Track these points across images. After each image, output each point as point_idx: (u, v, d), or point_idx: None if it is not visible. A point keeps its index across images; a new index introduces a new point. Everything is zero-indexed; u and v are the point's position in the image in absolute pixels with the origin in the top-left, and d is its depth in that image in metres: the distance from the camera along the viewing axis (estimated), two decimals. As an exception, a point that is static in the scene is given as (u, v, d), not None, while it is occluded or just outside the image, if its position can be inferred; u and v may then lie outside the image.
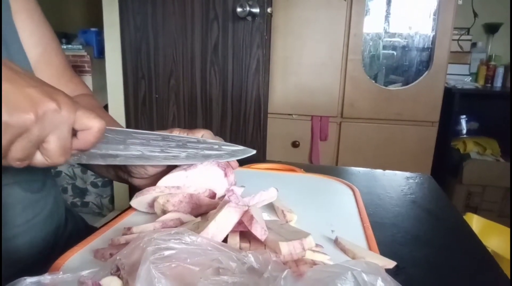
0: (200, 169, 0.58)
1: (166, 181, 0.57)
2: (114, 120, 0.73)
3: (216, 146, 0.58)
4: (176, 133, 0.60)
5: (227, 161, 0.61)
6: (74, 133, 0.42)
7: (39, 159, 0.41)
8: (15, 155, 0.38)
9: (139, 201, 0.57)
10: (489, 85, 2.62)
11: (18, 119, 0.36)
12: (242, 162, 0.82)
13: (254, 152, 0.60)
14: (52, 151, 0.40)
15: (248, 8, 1.70)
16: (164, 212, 0.54)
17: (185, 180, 0.58)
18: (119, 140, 0.51)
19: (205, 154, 0.57)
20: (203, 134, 0.61)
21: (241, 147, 0.60)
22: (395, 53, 2.24)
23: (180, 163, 0.57)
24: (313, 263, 0.41)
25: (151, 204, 0.56)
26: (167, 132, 0.60)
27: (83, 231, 0.75)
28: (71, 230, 0.73)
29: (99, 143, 0.46)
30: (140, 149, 0.53)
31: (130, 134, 0.53)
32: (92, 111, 0.43)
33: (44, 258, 0.62)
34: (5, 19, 0.59)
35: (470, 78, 2.64)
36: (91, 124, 0.42)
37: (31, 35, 0.65)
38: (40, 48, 0.67)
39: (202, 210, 0.55)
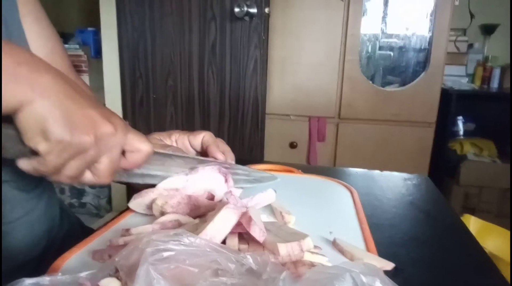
0: (201, 173, 0.58)
1: (166, 184, 0.57)
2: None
3: (247, 172, 0.61)
4: (176, 135, 0.61)
5: (228, 168, 0.61)
6: (123, 152, 0.44)
7: (88, 177, 0.42)
8: (68, 173, 0.39)
9: (138, 202, 0.57)
10: (486, 86, 2.62)
11: (79, 139, 0.37)
12: (240, 163, 0.82)
13: (278, 179, 0.64)
14: (102, 171, 0.42)
15: (245, 8, 1.70)
16: (163, 213, 0.54)
17: (185, 184, 0.58)
18: (160, 162, 0.53)
19: (235, 179, 0.59)
20: (204, 136, 0.61)
21: (266, 174, 0.63)
22: (392, 54, 2.25)
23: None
24: (312, 264, 0.41)
25: (150, 206, 0.56)
26: (165, 136, 0.60)
27: (78, 232, 0.74)
28: (67, 231, 0.73)
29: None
30: (177, 171, 0.55)
31: (170, 156, 0.55)
32: (142, 134, 0.46)
33: (37, 256, 0.62)
34: (13, 21, 0.59)
35: (467, 79, 2.65)
36: (141, 147, 0.45)
37: (38, 37, 0.66)
38: (46, 50, 0.67)
39: (201, 211, 0.55)
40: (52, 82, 0.37)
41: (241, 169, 0.61)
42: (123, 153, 0.44)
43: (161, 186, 0.57)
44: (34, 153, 0.38)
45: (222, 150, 0.61)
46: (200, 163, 0.57)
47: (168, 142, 0.61)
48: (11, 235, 0.60)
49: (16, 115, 0.36)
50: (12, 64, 0.35)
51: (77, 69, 2.49)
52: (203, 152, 0.63)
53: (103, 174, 0.42)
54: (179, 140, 0.62)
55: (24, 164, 0.39)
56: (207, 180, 0.59)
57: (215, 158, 0.60)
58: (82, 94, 0.39)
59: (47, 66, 0.38)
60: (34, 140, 0.37)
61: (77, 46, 2.50)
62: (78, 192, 2.50)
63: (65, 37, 2.64)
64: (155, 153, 0.53)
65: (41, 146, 0.37)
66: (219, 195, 0.60)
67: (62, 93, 0.37)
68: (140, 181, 0.52)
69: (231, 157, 0.61)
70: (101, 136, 0.39)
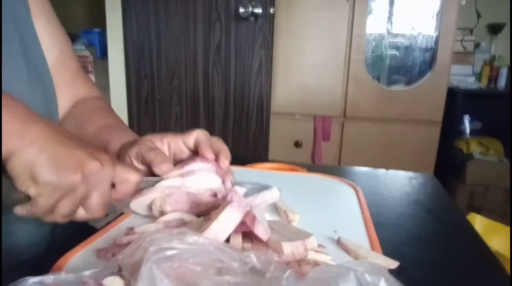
0: (197, 175, 0.57)
1: (161, 186, 0.56)
2: (121, 122, 0.72)
3: (249, 186, 0.59)
4: (169, 138, 0.59)
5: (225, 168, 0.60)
6: (113, 185, 0.46)
7: (81, 214, 0.44)
8: (61, 211, 0.41)
9: (138, 203, 0.57)
10: (493, 85, 2.61)
11: (67, 179, 0.39)
12: (244, 162, 0.82)
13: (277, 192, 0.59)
14: (93, 206, 0.43)
15: (250, 9, 1.70)
16: (162, 213, 0.53)
17: (181, 185, 0.57)
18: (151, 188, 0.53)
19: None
20: (196, 135, 0.59)
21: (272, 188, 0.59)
22: (398, 54, 2.24)
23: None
24: (316, 263, 0.41)
25: (151, 206, 0.56)
26: (157, 139, 0.60)
27: (82, 230, 0.75)
28: (70, 229, 0.73)
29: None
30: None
31: (160, 182, 0.55)
32: (130, 164, 0.48)
33: (41, 254, 0.62)
34: (25, 21, 0.60)
35: (474, 78, 2.64)
36: (129, 178, 0.46)
37: (50, 37, 0.66)
38: (57, 50, 0.68)
39: (202, 209, 0.55)
40: (40, 131, 0.40)
41: (246, 183, 0.59)
42: (113, 185, 0.46)
43: (158, 187, 0.56)
44: (28, 198, 0.40)
45: (217, 149, 0.59)
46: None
47: (158, 144, 0.59)
48: (17, 233, 0.60)
49: (7, 163, 0.39)
50: (6, 118, 0.38)
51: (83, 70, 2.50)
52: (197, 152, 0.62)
53: (95, 208, 0.43)
54: (172, 142, 0.59)
55: (19, 210, 0.42)
56: (204, 182, 0.58)
57: (205, 158, 0.58)
58: (70, 138, 0.42)
59: (37, 117, 0.41)
60: (24, 185, 0.39)
61: (83, 47, 2.51)
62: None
63: (71, 38, 2.64)
64: (148, 180, 0.53)
65: (31, 190, 0.39)
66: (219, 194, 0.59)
67: (50, 139, 0.40)
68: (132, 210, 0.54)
69: (225, 156, 0.58)
70: (88, 173, 0.41)
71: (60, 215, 0.42)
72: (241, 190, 0.55)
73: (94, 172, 0.41)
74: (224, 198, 0.57)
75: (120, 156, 0.59)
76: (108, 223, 0.55)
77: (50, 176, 0.38)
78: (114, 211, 0.53)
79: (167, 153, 0.60)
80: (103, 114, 0.72)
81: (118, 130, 0.67)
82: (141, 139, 0.60)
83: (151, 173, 0.56)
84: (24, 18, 0.59)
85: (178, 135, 0.60)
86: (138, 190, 0.51)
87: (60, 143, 0.40)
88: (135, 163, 0.56)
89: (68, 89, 0.71)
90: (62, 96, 0.70)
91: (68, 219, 0.43)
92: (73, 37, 2.68)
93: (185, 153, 0.60)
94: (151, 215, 0.56)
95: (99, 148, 0.44)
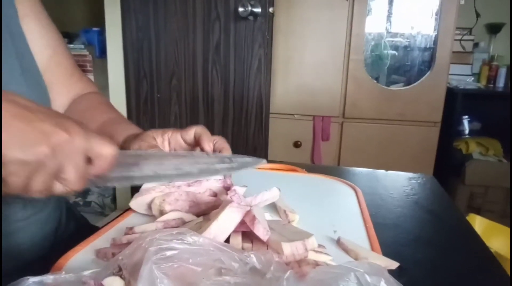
0: (204, 185, 0.59)
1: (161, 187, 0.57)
2: (121, 116, 0.73)
3: (227, 159, 0.57)
4: (169, 133, 0.61)
5: (231, 182, 0.61)
6: (90, 160, 0.43)
7: (59, 188, 0.41)
8: (36, 188, 0.39)
9: (138, 202, 0.57)
10: (492, 85, 2.61)
11: (33, 154, 0.37)
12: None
13: (264, 161, 0.59)
14: (69, 180, 0.41)
15: (250, 8, 1.69)
16: (162, 212, 0.54)
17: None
18: (132, 162, 0.51)
19: (217, 168, 0.56)
20: (195, 130, 0.61)
21: (251, 158, 0.59)
22: (397, 53, 2.24)
23: (194, 179, 0.57)
24: (316, 263, 0.41)
25: (150, 206, 0.56)
26: (159, 134, 0.60)
27: (84, 231, 0.75)
28: (73, 229, 0.73)
29: (114, 167, 0.47)
30: (153, 169, 0.52)
31: (142, 155, 0.53)
32: (104, 137, 0.44)
33: (44, 256, 0.62)
34: (13, 23, 0.59)
35: (473, 78, 2.63)
36: (104, 151, 0.43)
37: (41, 37, 0.66)
38: (50, 50, 0.68)
39: (202, 208, 0.55)
40: None
41: (224, 156, 0.58)
42: (91, 161, 0.43)
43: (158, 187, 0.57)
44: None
45: (219, 147, 0.60)
46: (176, 157, 0.55)
47: (159, 139, 0.61)
48: (20, 233, 0.60)
49: None
50: None
51: (82, 69, 2.48)
52: (196, 146, 0.63)
53: (72, 182, 0.41)
54: (172, 137, 0.62)
55: None
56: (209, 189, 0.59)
57: (203, 149, 0.59)
58: (32, 110, 0.39)
59: None
60: None
61: (82, 46, 2.51)
62: (83, 190, 2.50)
63: (70, 37, 2.65)
64: (126, 154, 0.51)
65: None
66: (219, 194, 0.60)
67: (9, 114, 0.37)
68: (117, 184, 0.51)
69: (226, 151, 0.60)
70: (56, 145, 0.38)
71: (35, 191, 0.39)
72: (241, 190, 0.55)
73: (62, 143, 0.39)
74: (227, 188, 0.58)
75: (123, 149, 0.59)
76: (109, 222, 0.55)
77: (14, 154, 0.36)
78: (95, 186, 0.51)
79: (167, 148, 0.61)
80: (103, 109, 0.73)
81: (120, 124, 0.69)
82: (143, 134, 0.61)
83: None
84: (10, 19, 0.59)
85: (178, 131, 0.61)
86: (117, 165, 0.48)
87: (19, 118, 0.37)
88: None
89: (64, 87, 0.71)
90: (59, 94, 0.70)
91: (46, 195, 0.41)
92: (72, 36, 2.68)
93: (184, 148, 0.62)
94: (151, 214, 0.57)
95: (69, 118, 0.41)
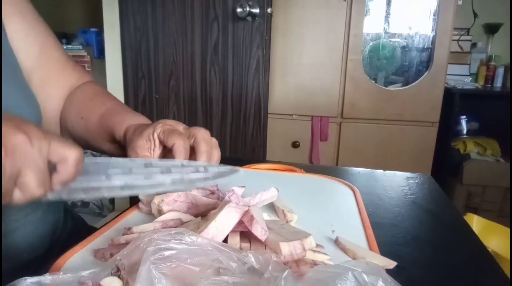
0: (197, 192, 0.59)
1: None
2: (119, 103, 0.72)
3: (202, 168, 0.54)
4: (168, 124, 0.58)
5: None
6: (54, 168, 0.41)
7: (17, 195, 0.39)
8: None
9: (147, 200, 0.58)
10: (489, 85, 2.61)
11: None
12: (242, 163, 0.82)
13: (241, 171, 0.57)
14: (27, 185, 0.38)
15: (248, 9, 1.69)
16: (160, 212, 0.54)
17: None
18: (100, 171, 0.48)
19: (191, 179, 0.52)
20: (200, 135, 0.58)
21: (228, 168, 0.56)
22: (394, 53, 2.24)
23: (166, 190, 0.52)
24: (314, 263, 0.41)
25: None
26: (174, 124, 0.59)
27: (82, 231, 0.75)
28: (70, 230, 0.73)
29: (79, 175, 0.44)
30: (122, 179, 0.48)
31: (110, 163, 0.50)
32: (67, 140, 0.42)
33: (41, 256, 0.62)
34: None
35: (470, 78, 2.64)
36: (67, 154, 0.41)
37: (27, 35, 0.66)
38: (38, 46, 0.67)
39: (201, 209, 0.55)
40: None
41: (198, 165, 0.56)
42: (55, 168, 0.41)
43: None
44: None
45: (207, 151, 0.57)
46: (146, 166, 0.53)
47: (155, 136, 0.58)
48: (17, 233, 0.60)
49: None
50: None
51: (80, 70, 2.50)
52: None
53: (30, 187, 0.38)
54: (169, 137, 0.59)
55: None
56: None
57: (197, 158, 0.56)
58: None
59: None
60: None
61: (80, 47, 2.51)
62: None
63: (68, 38, 2.65)
64: (93, 162, 0.49)
65: None
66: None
67: None
68: (84, 196, 0.47)
69: (215, 160, 0.57)
70: (12, 148, 0.36)
71: None
72: (239, 190, 0.55)
73: (20, 146, 0.37)
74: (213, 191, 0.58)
75: (135, 134, 0.58)
76: (107, 222, 0.55)
77: None
78: (60, 198, 0.45)
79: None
80: (102, 99, 0.72)
81: (118, 114, 0.67)
82: (156, 123, 0.59)
83: (164, 154, 0.57)
84: None
85: (180, 125, 0.59)
86: (83, 173, 0.45)
87: None
88: (155, 137, 0.55)
89: (59, 80, 0.71)
90: (55, 87, 0.70)
91: (5, 201, 0.38)
92: (70, 37, 2.68)
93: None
94: (150, 212, 0.57)
95: (27, 121, 0.40)
